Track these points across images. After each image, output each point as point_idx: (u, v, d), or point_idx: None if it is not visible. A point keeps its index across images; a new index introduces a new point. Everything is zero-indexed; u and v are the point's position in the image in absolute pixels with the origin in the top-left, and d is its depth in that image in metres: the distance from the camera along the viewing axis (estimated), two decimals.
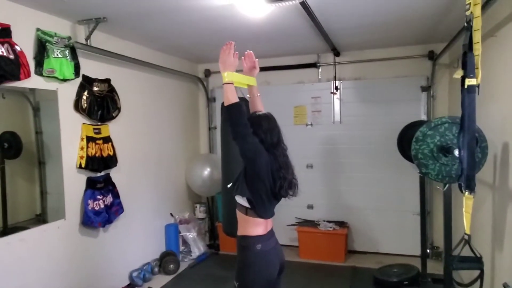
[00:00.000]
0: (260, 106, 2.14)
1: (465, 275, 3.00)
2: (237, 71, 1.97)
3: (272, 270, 1.94)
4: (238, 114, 1.81)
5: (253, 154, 1.81)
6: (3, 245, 2.55)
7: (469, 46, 1.75)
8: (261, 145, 1.86)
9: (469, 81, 1.75)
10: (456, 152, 2.26)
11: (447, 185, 2.61)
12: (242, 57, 2.14)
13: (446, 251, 2.67)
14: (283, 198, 2.00)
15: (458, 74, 1.81)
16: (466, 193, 1.79)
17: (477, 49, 1.73)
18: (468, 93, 1.75)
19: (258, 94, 2.17)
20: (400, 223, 4.48)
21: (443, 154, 2.46)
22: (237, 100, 1.81)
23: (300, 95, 4.80)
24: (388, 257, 4.41)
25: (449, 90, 4.22)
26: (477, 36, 1.73)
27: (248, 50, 2.16)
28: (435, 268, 3.98)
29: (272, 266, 1.94)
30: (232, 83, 1.86)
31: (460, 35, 3.15)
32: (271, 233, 2.02)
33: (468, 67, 1.75)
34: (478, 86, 1.74)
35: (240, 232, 1.98)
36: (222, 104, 1.85)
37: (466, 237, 1.79)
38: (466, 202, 1.78)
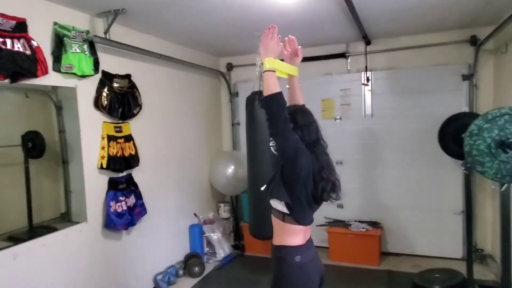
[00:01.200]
0: (301, 99, 1.92)
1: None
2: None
3: (312, 284, 1.73)
4: (279, 107, 1.58)
5: (294, 152, 1.59)
6: (24, 251, 2.43)
7: None
8: (302, 143, 1.63)
9: None
10: None
11: (506, 185, 2.32)
12: (282, 43, 1.87)
13: (504, 259, 2.39)
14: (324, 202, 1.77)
15: None
16: None
17: None
18: None
19: (299, 85, 1.94)
20: (438, 223, 4.17)
21: (502, 150, 2.18)
22: (279, 90, 1.58)
23: (328, 87, 4.53)
24: (425, 259, 4.12)
25: (494, 78, 3.86)
26: None
27: (290, 35, 1.91)
28: (480, 273, 3.66)
29: (312, 280, 1.73)
30: (274, 71, 1.64)
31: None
32: (310, 243, 1.80)
33: None
34: None
35: (276, 241, 1.77)
36: (262, 96, 1.63)
37: None
38: None
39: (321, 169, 1.69)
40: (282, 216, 1.71)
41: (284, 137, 1.58)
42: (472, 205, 3.91)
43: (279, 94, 1.58)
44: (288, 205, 1.67)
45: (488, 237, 3.97)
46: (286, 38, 1.91)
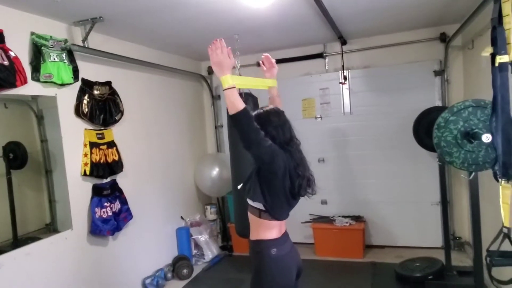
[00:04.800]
0: (279, 106, 2.01)
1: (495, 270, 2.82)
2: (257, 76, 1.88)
3: (290, 275, 1.81)
4: (248, 120, 1.61)
5: (270, 157, 1.66)
6: (9, 260, 2.44)
7: (499, 19, 1.58)
8: (275, 145, 1.70)
9: (501, 58, 1.57)
10: (485, 138, 2.09)
11: (473, 174, 2.45)
12: (261, 61, 2.15)
13: (475, 244, 2.52)
14: (301, 198, 1.86)
15: (487, 51, 1.66)
16: (503, 182, 1.62)
17: (508, 22, 1.56)
18: (500, 72, 1.58)
19: (278, 94, 2.11)
20: (418, 214, 4.31)
21: (468, 141, 2.30)
22: (243, 105, 1.60)
23: (307, 87, 4.64)
24: (407, 250, 4.25)
25: (464, 73, 4.03)
26: (507, 8, 1.56)
27: (264, 54, 2.16)
28: (458, 259, 3.82)
29: (289, 272, 1.80)
30: (234, 87, 1.63)
31: (476, 14, 2.96)
32: (285, 236, 1.88)
33: (498, 43, 1.58)
34: (511, 63, 1.57)
35: (253, 236, 1.84)
36: (228, 115, 1.64)
37: (505, 230, 1.63)
38: (503, 192, 1.62)
39: (296, 166, 1.77)
40: (258, 212, 1.78)
41: (259, 146, 1.63)
42: (449, 195, 4.08)
43: (245, 110, 1.60)
44: (264, 202, 1.75)
45: (465, 226, 4.12)
46: (263, 57, 2.13)
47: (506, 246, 1.72)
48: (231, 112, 1.61)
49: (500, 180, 1.64)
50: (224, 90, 1.64)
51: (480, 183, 2.56)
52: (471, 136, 2.27)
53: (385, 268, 3.84)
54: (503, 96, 1.60)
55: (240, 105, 1.59)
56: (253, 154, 1.68)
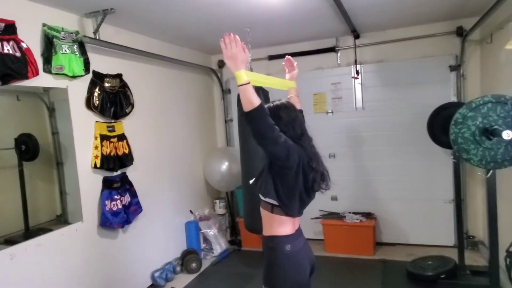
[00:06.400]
0: (298, 105, 1.98)
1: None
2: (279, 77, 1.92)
3: (304, 271, 1.77)
4: (264, 118, 1.53)
5: (286, 152, 1.61)
6: (21, 251, 2.46)
7: None
8: (289, 139, 1.65)
9: None
10: (506, 135, 2.02)
11: (491, 171, 2.38)
12: (283, 63, 2.17)
13: (492, 243, 2.45)
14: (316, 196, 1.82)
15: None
16: None
17: None
18: None
19: (297, 93, 2.10)
20: (430, 212, 4.24)
21: (486, 137, 2.23)
22: (259, 101, 1.51)
23: (319, 81, 4.57)
24: (419, 248, 4.19)
25: (481, 68, 3.92)
26: None
27: (287, 56, 2.17)
28: (472, 259, 3.74)
29: (303, 268, 1.77)
30: (249, 83, 1.55)
31: (496, 6, 2.86)
32: (299, 232, 1.84)
33: None
34: None
35: (267, 232, 1.81)
36: (243, 112, 1.54)
37: None
38: None
39: (310, 160, 1.73)
40: (271, 208, 1.75)
41: (276, 144, 1.58)
42: (463, 193, 4.00)
43: (261, 106, 1.52)
44: (277, 197, 1.71)
45: (479, 224, 4.04)
46: (286, 59, 2.15)
47: None
48: (247, 109, 1.52)
49: None
50: (238, 86, 1.55)
51: (498, 182, 2.49)
52: (490, 132, 2.21)
53: (396, 266, 3.78)
54: None
55: (256, 101, 1.51)
56: (269, 152, 1.63)
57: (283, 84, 2.08)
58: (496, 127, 2.17)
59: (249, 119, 1.54)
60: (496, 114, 2.22)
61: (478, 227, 4.06)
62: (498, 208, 2.53)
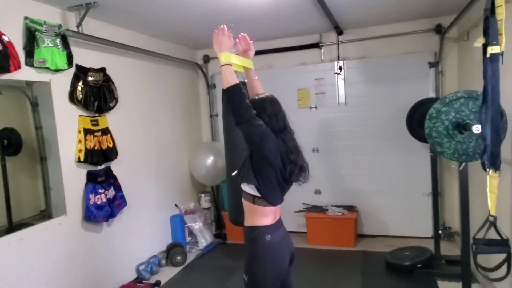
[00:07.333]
0: (260, 89, 2.03)
1: (481, 258, 2.88)
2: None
3: (283, 261, 1.84)
4: (240, 97, 1.69)
5: (260, 137, 1.69)
6: (3, 245, 2.46)
7: (491, 10, 1.59)
8: (268, 128, 1.73)
9: (492, 49, 1.59)
10: (475, 128, 2.12)
11: (463, 164, 2.48)
12: (237, 39, 2.05)
13: (464, 233, 2.56)
14: (293, 185, 1.89)
15: (479, 42, 1.66)
16: (491, 171, 1.66)
17: (500, 13, 1.58)
18: (491, 63, 1.60)
19: (256, 77, 2.07)
20: (410, 204, 4.38)
21: (459, 131, 2.32)
22: (237, 81, 1.71)
23: (303, 77, 4.65)
24: (399, 239, 4.32)
25: (458, 65, 4.05)
26: None
27: (241, 33, 2.08)
28: (448, 249, 3.89)
29: (283, 258, 1.84)
30: (230, 65, 1.77)
31: (471, 5, 2.97)
32: (280, 223, 1.91)
33: (490, 34, 1.60)
34: (502, 54, 1.59)
35: (248, 222, 1.87)
36: (223, 89, 1.74)
37: (491, 219, 1.67)
38: (491, 181, 1.65)
39: (289, 152, 1.80)
40: (252, 199, 1.81)
41: (249, 124, 1.68)
42: (440, 186, 4.13)
43: (238, 85, 1.69)
44: (257, 188, 1.77)
45: (456, 216, 4.18)
46: (240, 36, 2.07)
47: (492, 235, 1.77)
48: (225, 86, 1.71)
49: (488, 169, 1.68)
50: (221, 66, 1.75)
51: (471, 174, 2.61)
52: (462, 127, 2.30)
53: (376, 257, 3.90)
54: (493, 87, 1.63)
55: (234, 80, 1.70)
56: (244, 132, 1.71)
57: (246, 63, 2.04)
58: (467, 121, 2.26)
59: (227, 95, 1.71)
60: (468, 109, 2.32)
61: (454, 218, 4.21)
62: (471, 199, 2.65)
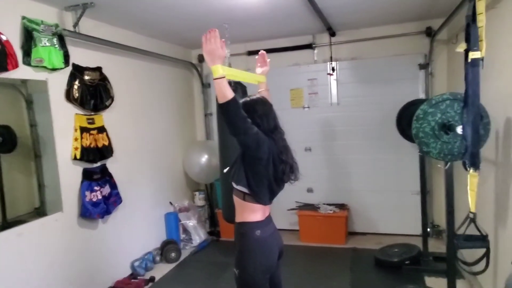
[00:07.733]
0: (269, 100, 2.08)
1: (467, 254, 3.00)
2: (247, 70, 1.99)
3: (272, 256, 1.91)
4: (236, 110, 1.67)
5: (256, 143, 1.75)
6: (1, 241, 2.51)
7: (473, 17, 1.68)
8: (261, 132, 1.79)
9: (473, 54, 1.69)
10: (459, 129, 2.21)
11: (449, 163, 2.58)
12: (256, 57, 2.21)
13: (449, 230, 2.65)
14: (285, 184, 1.96)
15: (461, 47, 1.75)
16: (471, 170, 1.75)
17: (481, 20, 1.67)
18: (472, 67, 1.70)
19: (267, 88, 2.18)
20: (399, 203, 4.48)
21: (444, 132, 2.41)
22: (232, 94, 1.65)
23: (296, 77, 4.72)
24: (388, 237, 4.42)
25: (447, 67, 4.16)
26: (480, 7, 1.67)
27: (261, 50, 2.23)
28: (436, 246, 3.99)
29: (272, 252, 1.91)
30: (224, 77, 1.67)
31: (460, 9, 3.06)
32: (269, 219, 1.98)
33: (471, 40, 1.69)
34: (482, 59, 1.69)
35: (238, 218, 1.94)
36: (218, 103, 1.68)
37: (471, 215, 1.76)
38: (471, 180, 1.75)
39: (280, 153, 1.87)
40: (243, 196, 1.87)
41: (246, 134, 1.71)
42: (429, 185, 4.24)
43: (234, 99, 1.65)
44: (248, 186, 1.84)
45: (444, 214, 4.27)
46: (260, 53, 2.22)
47: (472, 231, 1.86)
48: (220, 101, 1.65)
49: (468, 169, 1.76)
50: (214, 79, 1.67)
51: (456, 173, 2.70)
52: (447, 127, 2.39)
53: (365, 254, 4.00)
54: (474, 90, 1.72)
55: (229, 94, 1.64)
56: (240, 142, 1.76)
57: (254, 78, 2.17)
58: (452, 122, 2.35)
59: (222, 110, 1.68)
60: (453, 110, 2.40)
61: (442, 217, 4.30)
62: (457, 198, 2.75)
